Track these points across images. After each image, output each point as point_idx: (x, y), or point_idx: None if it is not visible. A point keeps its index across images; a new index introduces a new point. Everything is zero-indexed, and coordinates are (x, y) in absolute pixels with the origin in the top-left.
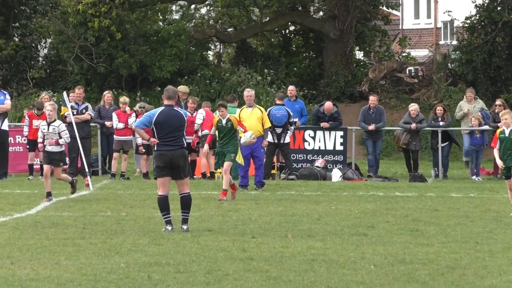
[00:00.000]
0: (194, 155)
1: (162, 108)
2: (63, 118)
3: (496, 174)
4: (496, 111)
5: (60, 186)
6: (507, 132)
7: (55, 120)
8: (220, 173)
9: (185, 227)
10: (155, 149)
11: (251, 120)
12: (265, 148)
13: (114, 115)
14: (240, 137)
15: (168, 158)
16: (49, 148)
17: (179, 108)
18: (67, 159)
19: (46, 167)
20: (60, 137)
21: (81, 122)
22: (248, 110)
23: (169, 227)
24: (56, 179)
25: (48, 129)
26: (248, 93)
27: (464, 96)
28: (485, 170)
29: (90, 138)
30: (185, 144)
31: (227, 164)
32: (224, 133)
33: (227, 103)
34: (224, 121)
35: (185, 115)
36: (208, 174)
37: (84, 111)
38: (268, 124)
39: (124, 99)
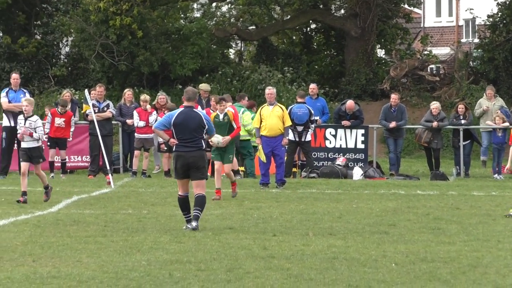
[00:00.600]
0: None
1: (181, 109)
2: (85, 116)
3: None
4: None
5: (82, 184)
6: None
7: (32, 115)
8: (243, 171)
9: (194, 224)
10: (174, 149)
11: (271, 118)
12: (286, 146)
13: (135, 113)
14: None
15: (186, 160)
16: (25, 145)
17: (199, 109)
18: (89, 156)
19: (24, 164)
20: (35, 132)
21: (103, 120)
22: (269, 108)
23: (191, 225)
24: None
25: (25, 124)
26: (270, 91)
27: (484, 94)
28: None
29: (111, 136)
30: (204, 146)
31: (227, 167)
32: (220, 128)
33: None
34: (221, 116)
35: (204, 117)
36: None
37: (105, 108)
38: (288, 122)
39: (144, 97)
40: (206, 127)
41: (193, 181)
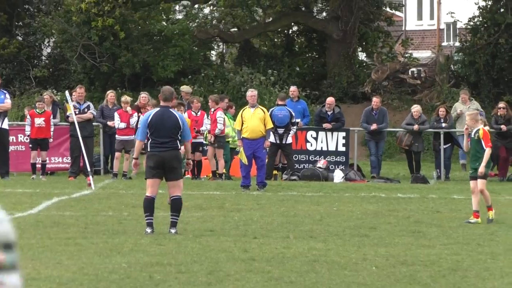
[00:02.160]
0: (199, 155)
1: (157, 109)
2: (65, 118)
3: (501, 176)
4: (499, 113)
5: (62, 186)
6: (472, 133)
7: None
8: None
9: (173, 230)
10: (148, 150)
11: (253, 121)
12: (267, 148)
13: (116, 114)
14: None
15: (160, 159)
16: None
17: (176, 110)
18: (69, 158)
19: None
20: None
21: (84, 121)
22: (250, 110)
23: (149, 230)
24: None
25: None
26: (252, 93)
27: (460, 98)
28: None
29: (92, 137)
30: (179, 146)
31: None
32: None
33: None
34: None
35: (180, 118)
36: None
37: (86, 110)
38: (270, 125)
39: (125, 98)
40: (181, 128)
41: (169, 182)
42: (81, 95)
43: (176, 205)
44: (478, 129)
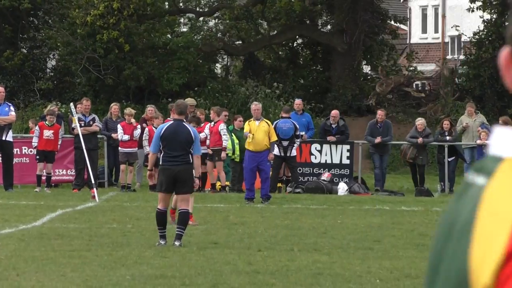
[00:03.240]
0: (204, 167)
1: (171, 122)
2: (70, 130)
3: None
4: None
5: (66, 198)
6: None
7: None
8: (228, 185)
9: (177, 243)
10: (160, 163)
11: (258, 133)
12: (271, 161)
13: (119, 127)
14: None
15: (172, 173)
16: None
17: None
18: (73, 170)
19: None
20: None
21: (89, 134)
22: (255, 123)
23: (162, 241)
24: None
25: None
26: (256, 106)
27: (466, 111)
28: None
29: (97, 150)
30: (191, 160)
31: None
32: None
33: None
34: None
35: (193, 132)
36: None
37: (91, 122)
38: (274, 138)
39: (129, 110)
40: (193, 142)
41: (178, 195)
42: (87, 107)
43: (183, 218)
44: None
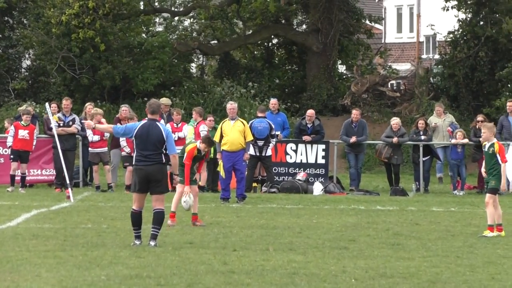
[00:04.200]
0: None
1: (144, 121)
2: (46, 130)
3: (480, 188)
4: (477, 126)
5: (41, 198)
6: (486, 146)
7: None
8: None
9: (153, 243)
10: (133, 163)
11: (233, 133)
12: (247, 161)
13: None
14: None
15: (145, 173)
16: None
17: (162, 122)
18: (48, 170)
19: None
20: None
21: (66, 134)
22: (230, 123)
23: (137, 242)
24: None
25: None
26: (231, 105)
27: (434, 111)
28: (466, 184)
29: (74, 150)
30: (164, 160)
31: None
32: None
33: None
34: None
35: (165, 132)
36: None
37: (71, 123)
38: (250, 137)
39: (95, 110)
40: (165, 142)
41: (153, 195)
42: (67, 107)
43: (158, 218)
44: (493, 143)
